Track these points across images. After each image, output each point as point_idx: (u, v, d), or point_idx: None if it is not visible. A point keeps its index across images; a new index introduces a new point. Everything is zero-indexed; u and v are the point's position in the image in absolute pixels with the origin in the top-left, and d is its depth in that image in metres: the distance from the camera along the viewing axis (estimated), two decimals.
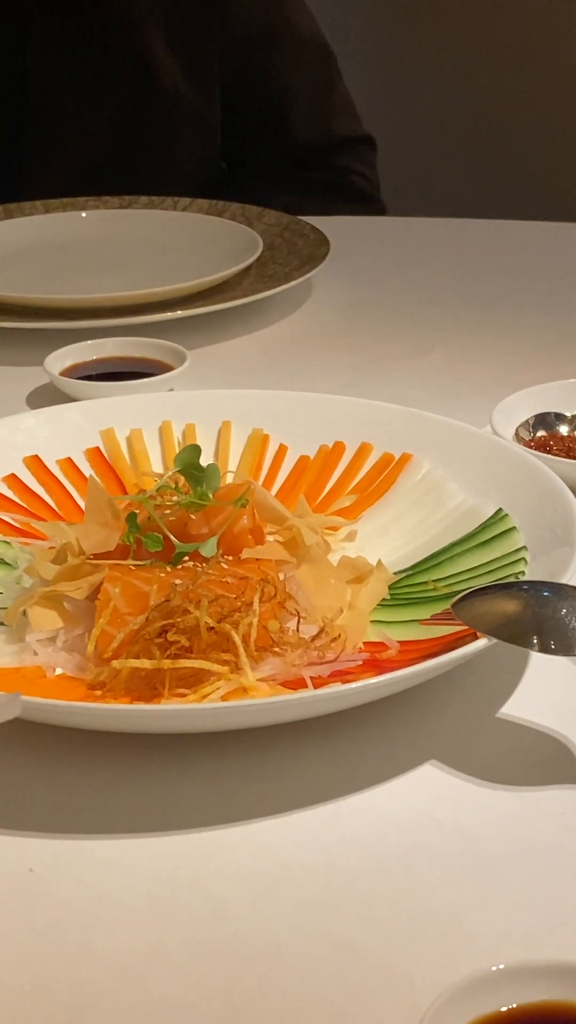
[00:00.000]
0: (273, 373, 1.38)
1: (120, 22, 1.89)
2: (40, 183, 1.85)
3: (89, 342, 1.35)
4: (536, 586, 0.87)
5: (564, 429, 1.18)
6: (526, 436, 1.16)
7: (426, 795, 0.82)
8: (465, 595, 0.86)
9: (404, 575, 0.98)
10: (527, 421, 1.17)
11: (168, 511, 0.94)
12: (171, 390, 1.26)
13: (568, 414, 1.18)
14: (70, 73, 1.90)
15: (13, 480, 1.07)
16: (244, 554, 0.93)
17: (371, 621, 0.93)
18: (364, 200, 2.02)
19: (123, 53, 1.91)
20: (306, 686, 0.85)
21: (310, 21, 2.00)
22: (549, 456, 1.10)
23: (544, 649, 0.84)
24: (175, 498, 0.95)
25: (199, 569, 0.90)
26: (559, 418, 1.18)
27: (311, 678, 0.86)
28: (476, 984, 0.63)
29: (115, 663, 0.86)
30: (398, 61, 2.81)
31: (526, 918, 0.73)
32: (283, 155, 2.01)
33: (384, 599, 0.95)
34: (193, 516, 0.94)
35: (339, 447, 1.10)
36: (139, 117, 1.94)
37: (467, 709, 0.89)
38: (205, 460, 0.97)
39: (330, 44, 2.02)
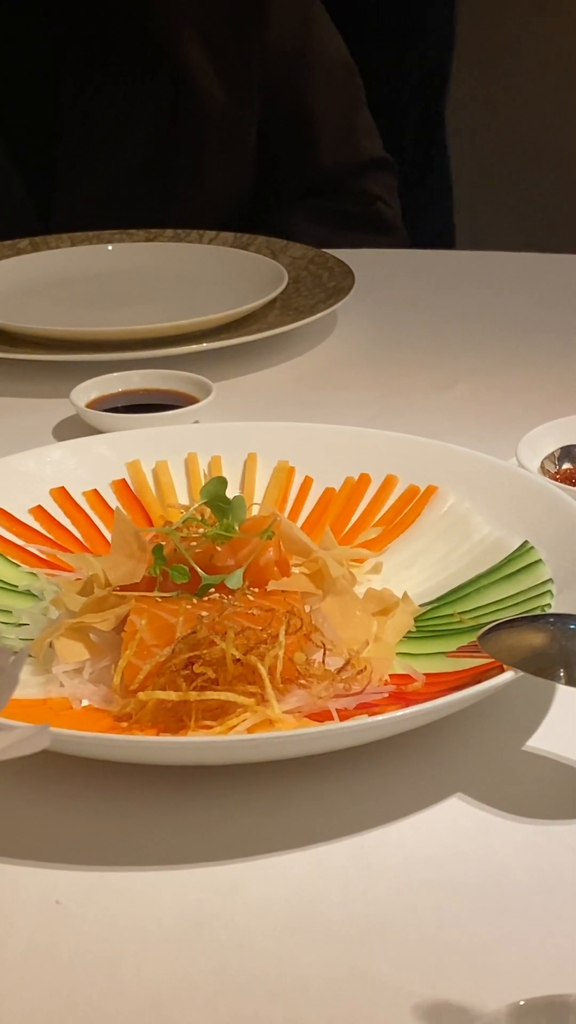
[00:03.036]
0: (299, 405, 1.39)
1: (157, 44, 1.89)
2: (70, 206, 1.85)
3: (115, 374, 1.35)
4: (563, 619, 0.87)
5: None
6: (551, 469, 1.16)
7: (453, 828, 0.82)
8: (491, 628, 0.86)
9: (430, 607, 0.98)
10: (552, 454, 1.17)
11: (194, 543, 0.94)
12: (197, 422, 1.27)
13: None
14: (104, 96, 1.89)
15: (40, 512, 1.07)
16: (270, 586, 0.93)
17: (397, 653, 0.93)
18: (386, 230, 2.01)
19: (159, 75, 1.90)
20: (332, 718, 0.85)
21: (337, 40, 1.99)
22: (575, 489, 1.09)
23: (571, 682, 0.83)
24: (201, 530, 0.96)
25: (225, 601, 0.90)
26: None
27: (337, 710, 0.86)
28: (503, 1019, 0.62)
29: (141, 695, 0.86)
30: None
31: (554, 952, 0.73)
32: (308, 177, 2.00)
33: (410, 631, 0.95)
34: (219, 548, 0.94)
35: (364, 479, 1.11)
36: (173, 139, 1.92)
37: (493, 742, 0.88)
38: (231, 492, 0.97)
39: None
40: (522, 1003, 0.63)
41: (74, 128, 1.90)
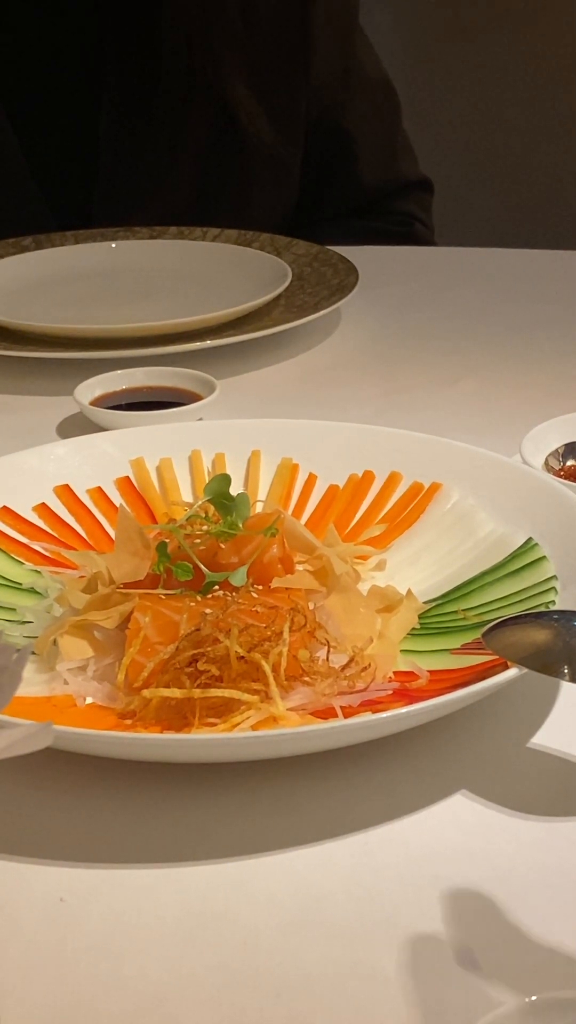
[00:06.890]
0: (302, 402, 1.39)
1: (201, 80, 1.84)
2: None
3: (119, 372, 1.35)
4: (567, 616, 0.87)
5: None
6: (556, 465, 1.16)
7: (457, 825, 0.82)
8: (495, 624, 0.86)
9: (434, 604, 0.98)
10: (557, 450, 1.17)
11: (198, 540, 0.94)
12: (201, 419, 1.27)
13: None
14: (145, 133, 1.86)
15: (44, 509, 1.07)
16: (274, 583, 0.93)
17: (401, 650, 0.93)
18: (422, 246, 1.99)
19: (203, 111, 1.86)
20: (336, 716, 0.85)
21: (376, 60, 1.97)
22: None
23: (575, 679, 0.83)
24: (205, 527, 0.96)
25: (229, 598, 0.90)
26: None
27: (341, 708, 0.86)
28: (509, 1017, 0.62)
29: (145, 692, 0.86)
30: (427, 90, 2.82)
31: (559, 948, 0.73)
32: (350, 199, 1.98)
33: (414, 628, 0.95)
34: (223, 545, 0.94)
35: (368, 476, 1.10)
36: (217, 175, 1.89)
37: (498, 739, 0.88)
38: (235, 489, 0.97)
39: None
40: (527, 1000, 0.63)
41: (114, 165, 1.88)
